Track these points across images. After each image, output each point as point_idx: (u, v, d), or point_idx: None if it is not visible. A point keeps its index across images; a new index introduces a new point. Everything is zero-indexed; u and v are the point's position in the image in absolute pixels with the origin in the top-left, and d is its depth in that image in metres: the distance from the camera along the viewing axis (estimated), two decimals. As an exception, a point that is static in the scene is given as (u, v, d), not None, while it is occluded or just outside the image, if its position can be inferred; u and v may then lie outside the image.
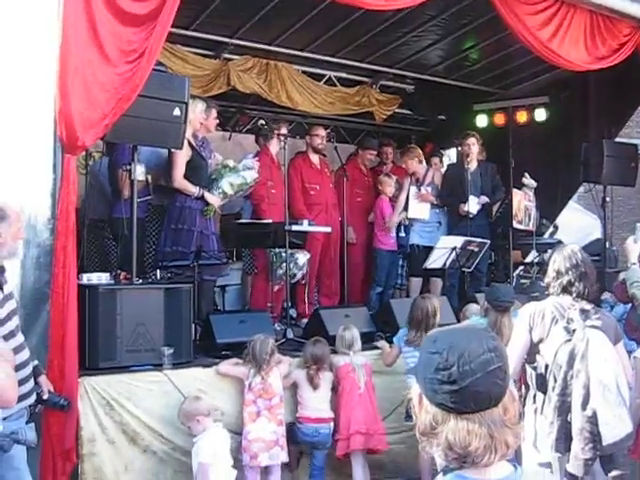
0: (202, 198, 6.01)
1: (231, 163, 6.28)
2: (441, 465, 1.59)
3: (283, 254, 6.38)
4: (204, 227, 6.06)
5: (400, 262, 8.22)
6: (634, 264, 5.17)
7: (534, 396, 3.64)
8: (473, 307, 5.71)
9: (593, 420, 3.28)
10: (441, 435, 1.53)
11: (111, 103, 4.20)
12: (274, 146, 7.20)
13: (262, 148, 7.32)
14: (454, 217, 7.79)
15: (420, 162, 8.18)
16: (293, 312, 7.16)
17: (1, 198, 3.75)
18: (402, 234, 8.10)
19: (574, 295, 3.63)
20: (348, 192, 7.70)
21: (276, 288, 6.81)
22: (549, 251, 8.21)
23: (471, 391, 1.50)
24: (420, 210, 7.88)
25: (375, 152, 8.62)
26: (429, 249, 7.25)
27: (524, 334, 3.68)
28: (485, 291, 5.45)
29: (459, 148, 7.92)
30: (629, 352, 4.06)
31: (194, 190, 5.97)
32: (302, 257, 6.64)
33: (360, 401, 5.09)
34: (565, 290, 3.65)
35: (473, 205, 7.56)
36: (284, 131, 7.07)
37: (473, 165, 7.78)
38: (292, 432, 4.96)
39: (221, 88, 7.85)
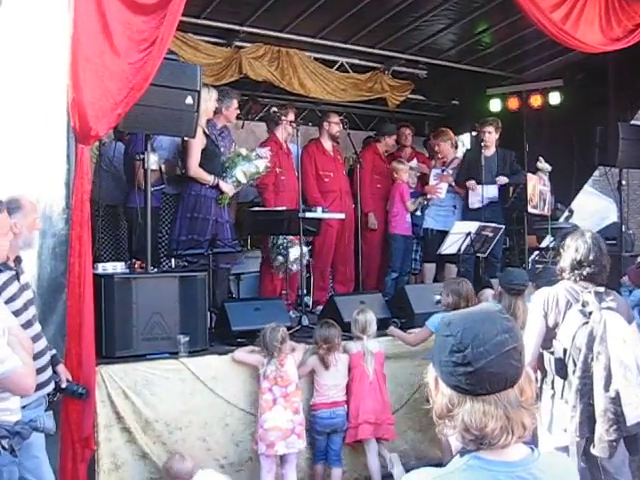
0: (217, 187, 6.02)
1: (244, 152, 6.28)
2: (457, 447, 1.60)
3: (280, 244, 6.44)
4: (219, 215, 6.08)
5: (414, 247, 8.22)
6: None
7: (552, 381, 3.62)
8: (488, 292, 5.70)
9: (616, 401, 3.27)
10: (457, 417, 1.53)
11: (123, 92, 4.20)
12: (281, 132, 7.15)
13: (270, 135, 7.29)
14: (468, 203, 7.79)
15: (453, 146, 8.18)
16: (308, 299, 7.17)
17: (17, 189, 3.78)
18: (418, 213, 8.13)
19: (591, 283, 3.60)
20: (367, 179, 7.70)
21: (281, 276, 6.81)
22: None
23: (486, 372, 1.50)
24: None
25: (409, 130, 8.59)
26: (443, 234, 7.24)
27: (539, 320, 3.67)
28: (499, 276, 5.44)
29: (473, 133, 7.88)
30: None
31: (209, 179, 5.98)
32: (295, 251, 6.53)
33: (370, 390, 5.10)
34: (583, 279, 3.61)
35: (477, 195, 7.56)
36: (291, 117, 7.04)
37: (490, 152, 7.76)
38: (309, 422, 4.98)
39: (233, 76, 7.84)
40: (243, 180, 6.17)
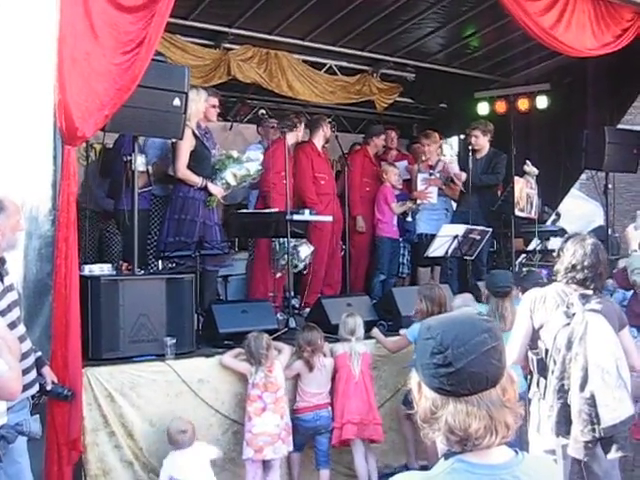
0: (205, 189, 6.00)
1: (235, 154, 6.26)
2: (442, 450, 1.60)
3: (286, 244, 6.40)
4: (207, 217, 6.05)
5: (402, 251, 8.23)
6: (635, 251, 5.18)
7: (537, 382, 3.64)
8: (458, 299, 5.58)
9: (591, 402, 3.28)
10: (441, 419, 1.53)
11: (110, 93, 4.19)
12: (291, 138, 7.02)
13: (279, 138, 7.10)
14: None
15: (439, 148, 8.19)
16: (296, 301, 7.17)
17: (1, 190, 3.75)
18: (409, 219, 8.13)
19: (583, 287, 3.58)
20: (356, 182, 7.71)
21: (278, 275, 6.81)
22: (551, 239, 8.24)
23: (467, 372, 1.50)
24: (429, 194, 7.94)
25: (384, 137, 8.59)
26: (433, 237, 7.27)
27: (526, 320, 3.69)
28: (484, 278, 5.46)
29: (462, 137, 7.90)
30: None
31: (197, 180, 5.95)
32: (305, 249, 6.61)
33: (355, 391, 5.10)
34: (577, 283, 3.59)
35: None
36: (302, 127, 7.10)
37: (480, 154, 7.75)
38: (292, 425, 4.97)
39: (221, 78, 7.83)
40: (233, 182, 6.15)
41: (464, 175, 7.57)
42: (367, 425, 5.09)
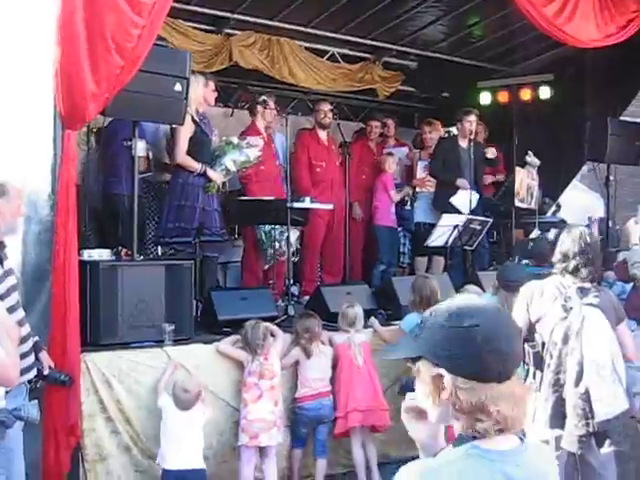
0: (204, 174, 5.98)
1: (235, 140, 6.23)
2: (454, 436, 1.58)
3: (272, 233, 6.43)
4: (206, 204, 6.03)
5: (402, 240, 8.21)
6: (635, 245, 5.18)
7: (534, 374, 3.65)
8: (470, 289, 5.66)
9: (585, 397, 3.30)
10: (488, 407, 1.52)
11: (111, 77, 4.15)
12: (260, 120, 7.10)
13: (250, 123, 7.20)
14: (445, 191, 7.63)
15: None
16: (295, 289, 7.16)
17: (2, 174, 3.74)
18: (408, 207, 8.09)
19: (578, 278, 3.61)
20: (354, 169, 7.67)
21: (266, 267, 6.79)
22: (552, 230, 8.22)
23: (516, 358, 1.59)
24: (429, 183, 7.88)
25: (378, 123, 8.51)
26: (427, 225, 7.28)
27: (522, 312, 3.70)
28: (498, 269, 5.43)
29: (458, 125, 7.80)
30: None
31: (197, 166, 5.91)
32: (293, 235, 6.56)
33: (359, 378, 5.09)
34: (570, 273, 3.63)
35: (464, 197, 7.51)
36: (271, 105, 6.96)
37: (465, 143, 7.66)
38: (295, 415, 4.97)
39: (223, 64, 7.79)
40: (233, 168, 6.12)
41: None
42: (374, 412, 5.07)
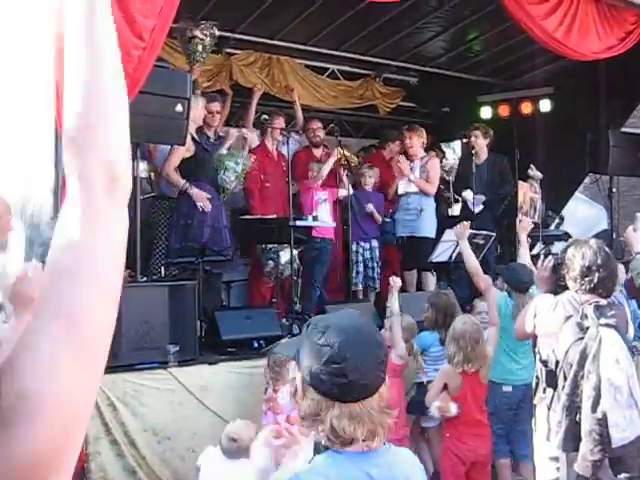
0: (185, 192, 5.95)
1: (224, 151, 6.32)
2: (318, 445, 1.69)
3: (270, 248, 6.48)
4: (216, 220, 6.02)
5: (370, 254, 7.60)
6: (638, 253, 5.11)
7: (544, 389, 3.60)
8: (481, 304, 5.63)
9: (603, 422, 3.23)
10: (326, 421, 1.62)
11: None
12: (269, 139, 7.20)
13: (259, 142, 7.31)
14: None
15: (422, 145, 7.75)
16: (299, 307, 7.12)
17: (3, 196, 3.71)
18: (387, 219, 7.85)
19: (599, 292, 3.47)
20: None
21: (271, 284, 6.77)
22: (555, 243, 8.18)
23: (360, 384, 1.61)
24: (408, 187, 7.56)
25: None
26: (413, 240, 7.23)
27: (530, 320, 3.71)
28: (503, 272, 5.35)
29: (464, 140, 7.83)
30: None
31: (180, 182, 5.94)
32: (284, 254, 6.52)
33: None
34: (593, 288, 3.46)
35: (468, 198, 7.48)
36: (280, 124, 7.07)
37: (480, 159, 7.71)
38: None
39: (223, 83, 7.82)
40: (233, 177, 6.21)
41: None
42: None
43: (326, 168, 7.09)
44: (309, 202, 7.07)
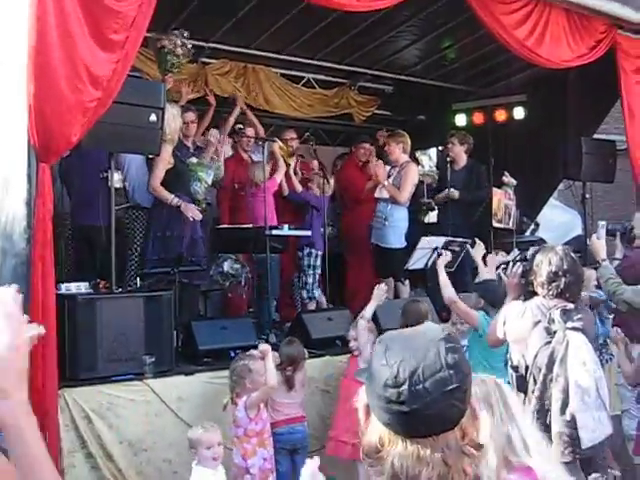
0: (178, 208, 5.85)
1: (194, 160, 6.29)
2: None
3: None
4: (194, 231, 5.96)
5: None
6: (605, 260, 5.16)
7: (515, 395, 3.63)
8: None
9: (572, 424, 3.28)
10: (387, 460, 1.33)
11: (87, 110, 4.14)
12: (242, 149, 7.35)
13: (233, 151, 7.45)
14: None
15: (404, 151, 7.65)
16: (276, 316, 7.11)
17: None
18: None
19: (566, 297, 3.54)
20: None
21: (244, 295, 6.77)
22: (530, 249, 8.24)
23: (422, 415, 1.30)
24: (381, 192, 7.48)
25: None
26: (379, 248, 7.24)
27: (500, 328, 3.73)
28: (479, 288, 5.35)
29: (439, 148, 7.90)
30: None
31: (169, 197, 5.80)
32: (226, 265, 6.48)
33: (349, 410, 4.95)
34: (560, 293, 3.54)
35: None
36: (250, 133, 7.27)
37: (458, 166, 7.78)
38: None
39: (199, 92, 7.80)
40: (209, 180, 6.25)
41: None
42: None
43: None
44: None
